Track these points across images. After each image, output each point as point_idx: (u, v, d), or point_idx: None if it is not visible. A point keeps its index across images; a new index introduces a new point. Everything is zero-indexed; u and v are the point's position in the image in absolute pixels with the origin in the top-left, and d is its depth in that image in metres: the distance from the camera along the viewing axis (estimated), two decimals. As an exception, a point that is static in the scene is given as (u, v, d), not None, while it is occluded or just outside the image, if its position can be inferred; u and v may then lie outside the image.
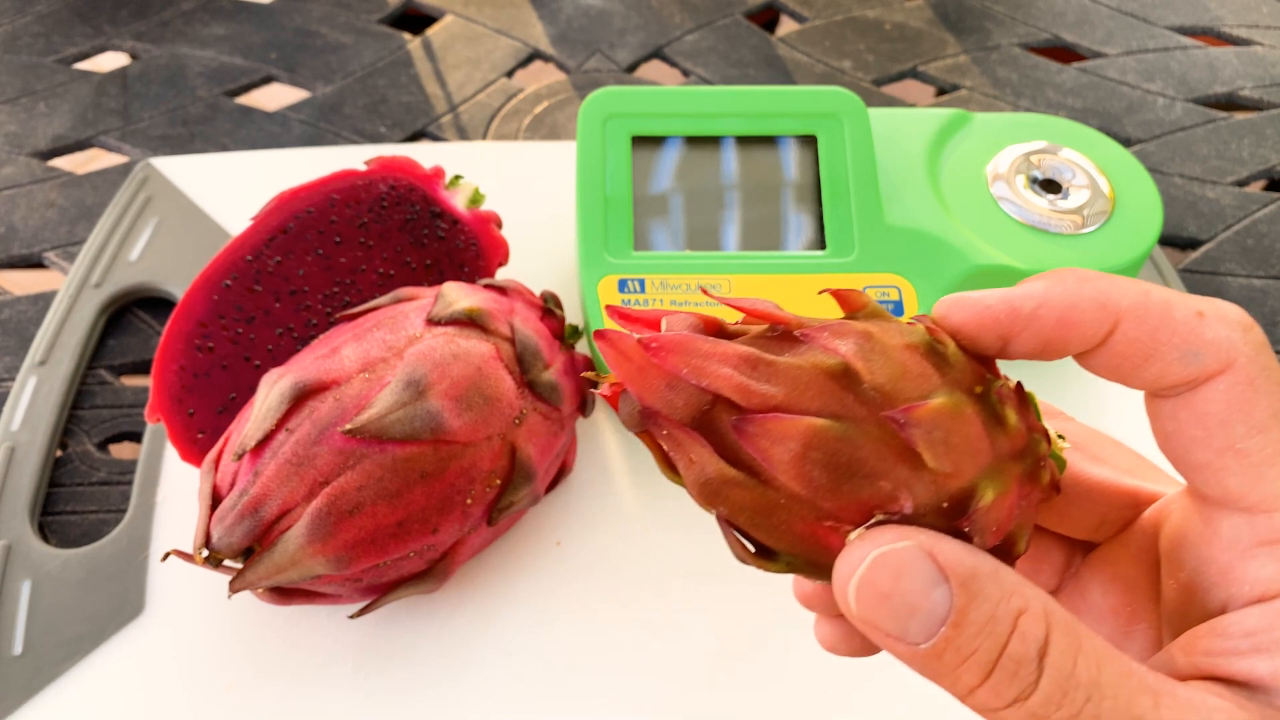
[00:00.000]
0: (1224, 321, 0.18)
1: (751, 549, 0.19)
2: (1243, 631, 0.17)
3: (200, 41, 0.58)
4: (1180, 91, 0.58)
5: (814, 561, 0.19)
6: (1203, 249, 0.50)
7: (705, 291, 0.21)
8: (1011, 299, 0.19)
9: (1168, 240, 0.51)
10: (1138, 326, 0.18)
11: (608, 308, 0.20)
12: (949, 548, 0.17)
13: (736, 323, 0.20)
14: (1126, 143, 0.55)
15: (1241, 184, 0.53)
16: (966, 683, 0.17)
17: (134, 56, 0.58)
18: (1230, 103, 0.58)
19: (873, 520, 0.18)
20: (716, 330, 0.20)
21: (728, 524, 0.19)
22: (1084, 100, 0.57)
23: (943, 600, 0.16)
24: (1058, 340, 0.19)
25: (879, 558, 0.17)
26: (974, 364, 0.19)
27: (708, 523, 0.38)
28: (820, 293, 0.21)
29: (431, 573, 0.33)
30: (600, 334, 0.19)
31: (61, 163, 0.52)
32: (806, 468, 0.17)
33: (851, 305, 0.20)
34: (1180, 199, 0.52)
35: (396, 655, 0.34)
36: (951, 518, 0.18)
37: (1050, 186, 0.41)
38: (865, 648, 0.22)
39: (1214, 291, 0.48)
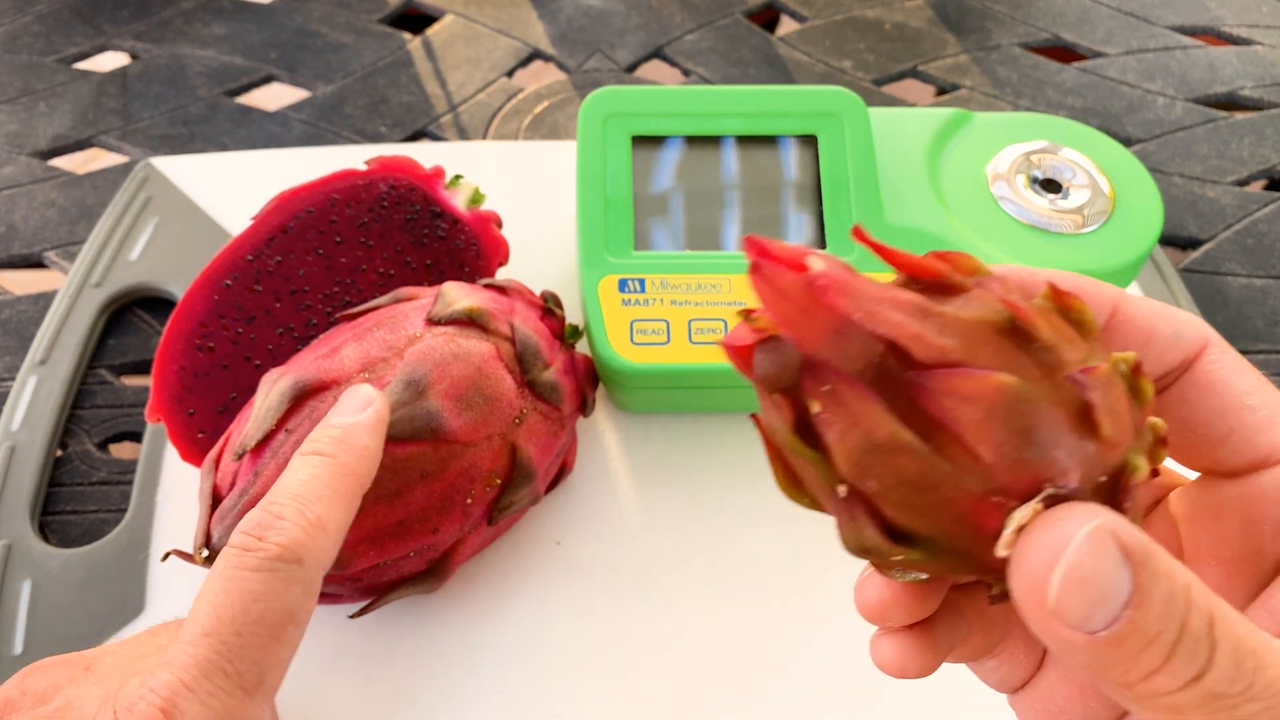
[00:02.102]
0: (1185, 312, 0.20)
1: (886, 535, 0.17)
2: None
3: (200, 41, 0.58)
4: (1180, 91, 0.58)
5: (957, 548, 0.17)
6: (1203, 248, 0.50)
7: (859, 233, 0.18)
8: (1030, 269, 0.20)
9: (1168, 240, 0.51)
10: (1133, 309, 0.20)
11: (746, 237, 0.17)
12: (1125, 525, 0.16)
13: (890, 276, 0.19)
14: (1127, 142, 0.55)
15: (1242, 183, 0.53)
16: (1145, 667, 0.15)
17: (134, 56, 0.58)
18: (1230, 102, 0.58)
19: (1045, 494, 0.16)
20: None
21: (863, 505, 0.17)
22: (1084, 100, 0.57)
23: (1125, 583, 0.15)
24: None
25: (1083, 541, 0.15)
26: (1101, 335, 0.18)
27: (707, 523, 0.38)
28: (926, 256, 0.18)
29: (431, 573, 0.33)
30: (756, 268, 0.16)
31: (62, 162, 0.52)
32: (994, 431, 0.16)
33: (964, 269, 0.18)
34: (1180, 198, 0.52)
35: (396, 655, 0.34)
36: (1108, 493, 0.16)
37: (1050, 186, 0.41)
38: (930, 664, 0.20)
39: (1215, 291, 0.48)
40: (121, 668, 0.25)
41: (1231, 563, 0.19)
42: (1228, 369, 0.19)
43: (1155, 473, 0.18)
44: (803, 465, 0.18)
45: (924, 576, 0.19)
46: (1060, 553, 0.15)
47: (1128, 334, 0.20)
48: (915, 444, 0.16)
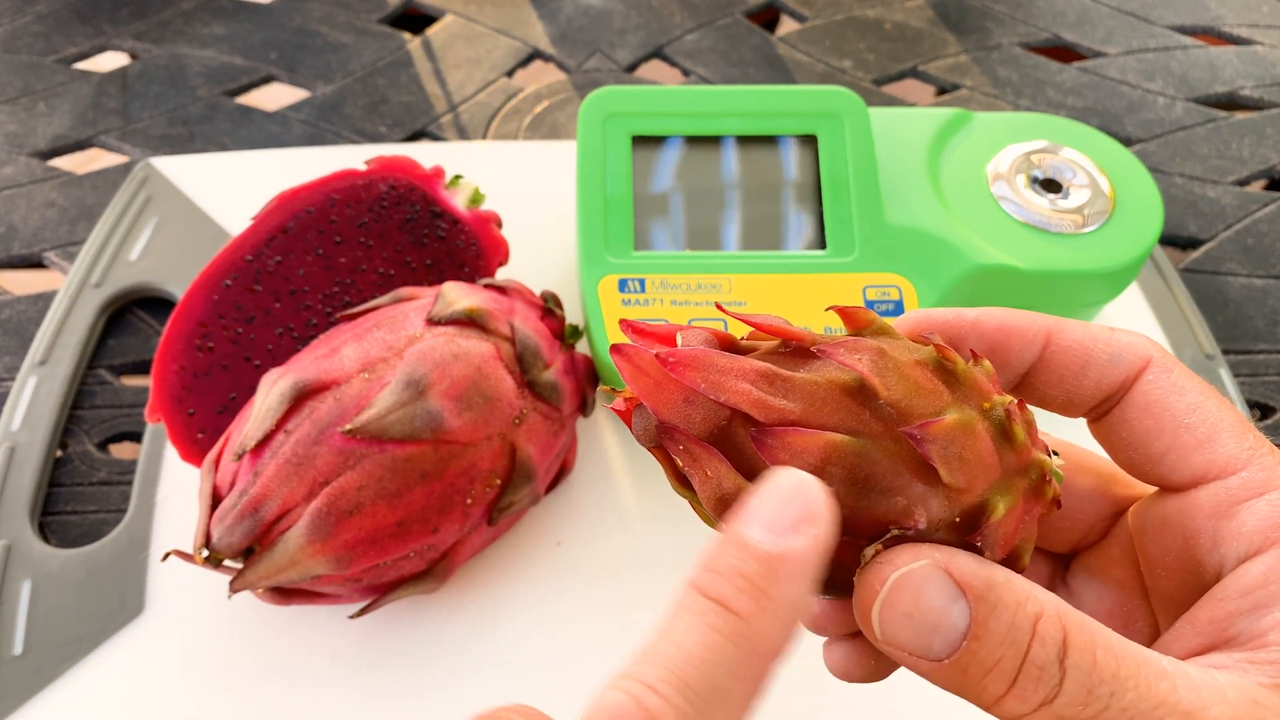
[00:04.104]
0: (1129, 333, 0.21)
1: None
2: (1240, 591, 0.18)
3: (200, 41, 0.58)
4: (1181, 91, 0.58)
5: (826, 576, 0.19)
6: (1203, 248, 0.50)
7: (720, 308, 0.21)
8: (957, 310, 0.21)
9: (1168, 240, 0.51)
10: (1067, 337, 0.21)
11: (621, 322, 0.20)
12: (963, 562, 0.17)
13: (745, 337, 0.20)
14: (1127, 142, 0.55)
15: (1242, 183, 0.53)
16: (992, 692, 0.17)
17: (134, 56, 0.58)
18: (1230, 102, 0.58)
19: (888, 535, 0.18)
20: (729, 346, 0.20)
21: None
22: (1084, 100, 0.57)
23: (962, 614, 0.17)
24: (1002, 346, 0.21)
25: (899, 579, 0.17)
26: (980, 382, 0.19)
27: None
28: (826, 309, 0.21)
29: (431, 573, 0.33)
30: (616, 348, 0.19)
31: (61, 162, 0.52)
32: (824, 483, 0.17)
33: (857, 322, 0.20)
34: (1181, 198, 0.52)
35: (396, 655, 0.34)
36: (963, 532, 0.18)
37: (1051, 186, 0.41)
38: (876, 672, 0.21)
39: (1215, 291, 0.48)
40: None
41: (1176, 573, 0.20)
42: (1166, 389, 0.20)
43: (1057, 504, 0.20)
44: (695, 504, 0.20)
45: (841, 597, 0.20)
46: (876, 593, 0.17)
47: (1062, 362, 0.21)
48: None
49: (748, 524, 0.17)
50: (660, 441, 0.19)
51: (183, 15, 0.60)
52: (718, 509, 0.19)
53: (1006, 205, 0.40)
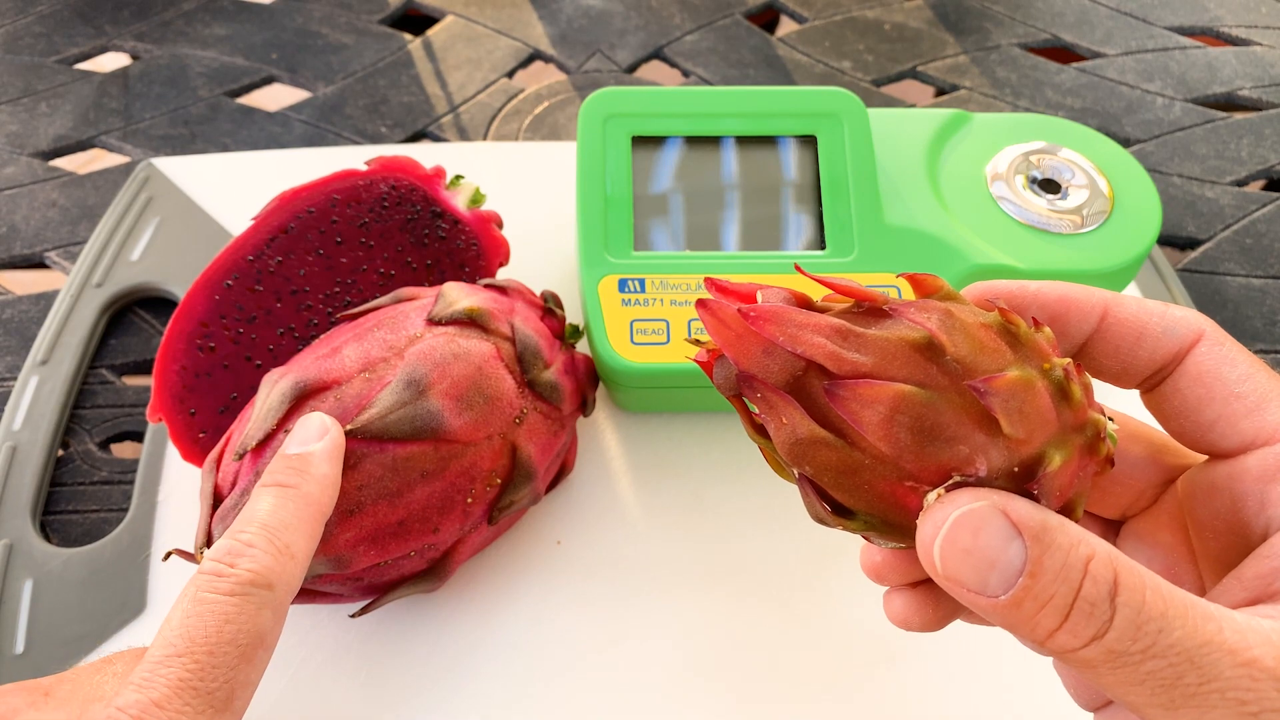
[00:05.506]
0: (1182, 309, 0.22)
1: (829, 509, 0.20)
2: None
3: (201, 42, 0.58)
4: (1179, 91, 0.58)
5: (890, 521, 0.20)
6: (1201, 249, 0.50)
7: (798, 268, 0.23)
8: (1020, 282, 0.23)
9: (1167, 240, 0.51)
10: (1123, 310, 0.22)
11: (706, 279, 0.21)
12: (1020, 505, 0.18)
13: (823, 299, 0.22)
14: (1125, 143, 0.55)
15: (1240, 184, 0.53)
16: (1046, 627, 0.18)
17: (135, 57, 0.58)
18: (1229, 103, 0.58)
19: (950, 481, 0.19)
20: (806, 305, 0.21)
21: (810, 484, 0.20)
22: (1083, 100, 0.57)
23: (1018, 553, 0.18)
24: (1061, 317, 0.22)
25: (959, 517, 0.18)
26: (1040, 345, 0.21)
27: (707, 523, 0.38)
28: (898, 276, 0.23)
29: (432, 572, 0.33)
30: (702, 303, 0.20)
31: (63, 163, 0.52)
32: (893, 430, 0.19)
33: (927, 288, 0.21)
34: (1179, 199, 0.52)
35: (397, 654, 0.34)
36: (1021, 481, 0.19)
37: (1049, 186, 0.41)
38: (934, 620, 0.23)
39: (1213, 291, 0.48)
40: (81, 693, 0.25)
41: (1224, 535, 0.21)
42: (1218, 360, 0.21)
43: (1110, 462, 0.21)
44: (767, 452, 0.22)
45: (902, 545, 0.21)
46: (938, 529, 0.18)
47: (1118, 334, 0.22)
48: (832, 439, 0.19)
49: (287, 446, 0.28)
50: (739, 390, 0.21)
51: (184, 16, 0.60)
52: (791, 453, 0.20)
53: (1005, 206, 0.40)
